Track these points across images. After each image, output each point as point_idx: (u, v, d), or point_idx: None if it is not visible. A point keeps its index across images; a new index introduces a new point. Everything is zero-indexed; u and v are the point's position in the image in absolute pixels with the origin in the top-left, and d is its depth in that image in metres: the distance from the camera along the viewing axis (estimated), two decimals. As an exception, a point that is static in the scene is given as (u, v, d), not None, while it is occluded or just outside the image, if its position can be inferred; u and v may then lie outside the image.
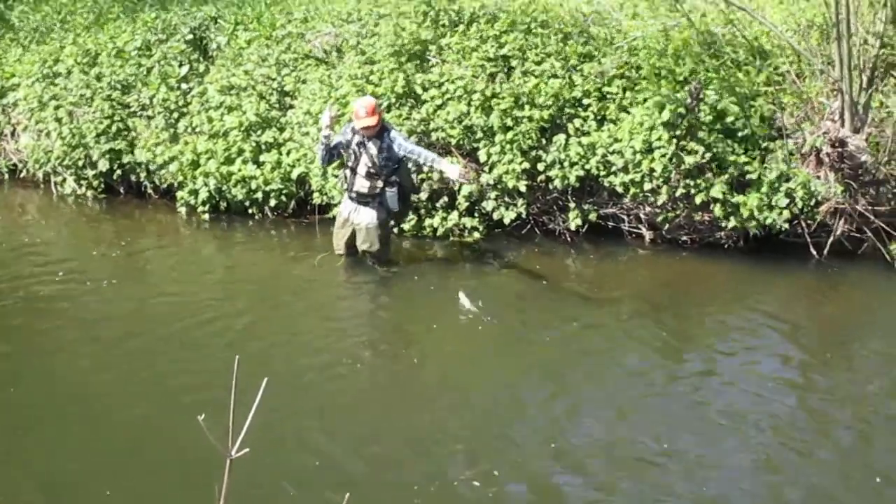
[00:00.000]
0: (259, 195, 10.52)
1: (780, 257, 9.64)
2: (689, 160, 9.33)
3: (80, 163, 11.58)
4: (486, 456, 6.28)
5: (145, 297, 8.84)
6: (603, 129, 9.85)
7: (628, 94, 9.94)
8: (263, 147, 10.72)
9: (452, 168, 8.67)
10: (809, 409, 7.02)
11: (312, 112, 10.59)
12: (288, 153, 10.59)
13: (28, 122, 12.17)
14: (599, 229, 10.14)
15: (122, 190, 11.76)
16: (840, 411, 7.01)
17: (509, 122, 9.87)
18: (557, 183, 9.80)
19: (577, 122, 9.93)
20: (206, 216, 10.79)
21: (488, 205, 9.97)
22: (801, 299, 9.21)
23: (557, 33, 10.57)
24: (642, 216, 10.01)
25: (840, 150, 9.31)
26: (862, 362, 8.00)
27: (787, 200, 9.30)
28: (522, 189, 9.77)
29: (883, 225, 9.39)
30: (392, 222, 9.40)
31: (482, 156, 9.95)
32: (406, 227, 10.00)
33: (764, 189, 9.33)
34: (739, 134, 9.63)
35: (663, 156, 9.38)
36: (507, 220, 9.94)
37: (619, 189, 9.73)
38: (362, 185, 8.94)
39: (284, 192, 10.53)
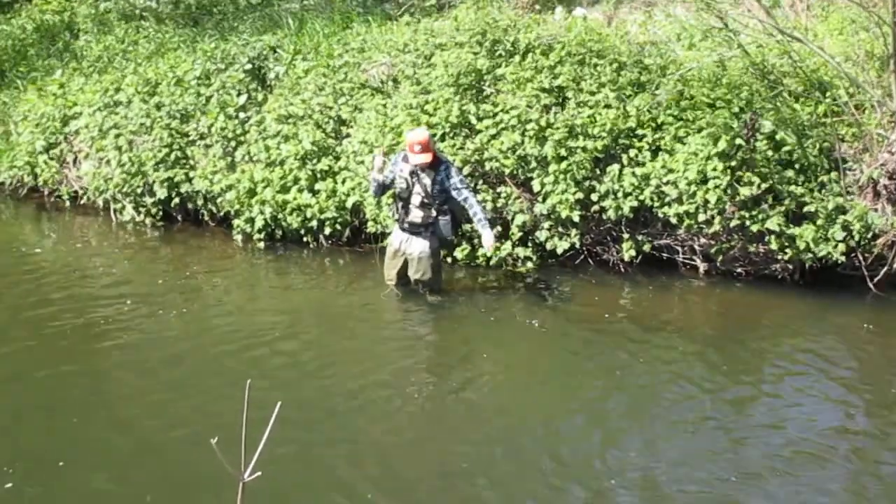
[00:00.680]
0: (314, 223, 10.61)
1: (836, 290, 9.53)
2: (745, 191, 9.27)
3: (139, 190, 11.76)
4: (522, 492, 6.22)
5: (198, 323, 8.94)
6: (657, 160, 9.82)
7: (683, 124, 9.90)
8: (319, 175, 10.82)
9: (489, 236, 8.72)
10: (862, 455, 6.76)
11: (368, 141, 10.67)
12: (343, 182, 10.67)
13: (89, 149, 12.39)
14: (653, 260, 10.09)
15: (179, 217, 11.94)
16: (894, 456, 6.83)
17: (563, 153, 9.87)
18: (611, 213, 9.78)
19: (632, 152, 9.90)
20: (262, 244, 10.89)
21: (542, 234, 9.97)
22: (858, 334, 9.00)
23: (612, 63, 10.56)
24: (696, 247, 9.94)
25: (898, 182, 9.22)
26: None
27: (843, 233, 9.20)
28: (576, 219, 9.75)
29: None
30: (443, 251, 9.42)
31: (536, 185, 9.94)
32: (459, 255, 10.04)
33: (820, 221, 9.24)
34: (796, 165, 9.54)
35: (717, 186, 9.33)
36: (560, 251, 9.92)
37: (674, 220, 9.67)
38: (416, 215, 8.99)
39: (339, 220, 10.60)
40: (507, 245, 9.99)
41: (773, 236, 9.35)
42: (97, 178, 12.06)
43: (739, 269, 9.87)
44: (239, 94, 11.94)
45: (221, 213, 11.51)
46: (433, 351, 8.79)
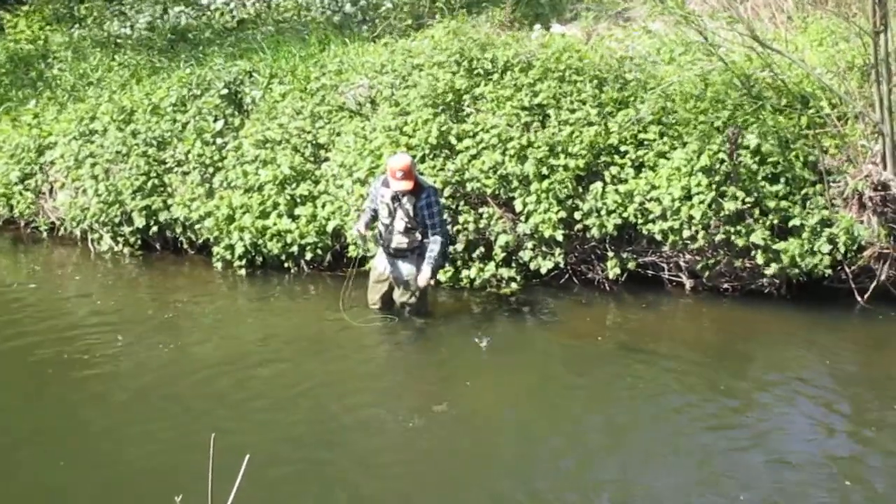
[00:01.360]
0: (294, 249, 10.47)
1: (824, 303, 9.45)
2: (729, 206, 9.18)
3: (117, 220, 11.61)
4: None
5: (179, 351, 8.78)
6: (640, 177, 9.73)
7: (665, 140, 9.82)
8: (298, 200, 10.70)
9: (427, 273, 8.71)
10: (854, 476, 6.59)
11: (346, 164, 10.55)
12: (323, 206, 10.55)
13: (65, 179, 12.23)
14: (639, 278, 9.99)
15: (158, 246, 11.77)
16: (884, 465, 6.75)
17: (545, 171, 9.78)
18: (595, 231, 9.67)
19: (614, 169, 9.82)
20: (243, 271, 10.73)
21: (525, 255, 9.86)
22: (846, 347, 8.93)
23: (592, 80, 10.48)
24: (682, 264, 9.86)
25: (883, 193, 9.16)
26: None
27: (829, 246, 9.14)
28: (559, 238, 9.65)
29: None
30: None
31: (518, 205, 9.84)
32: (443, 278, 9.88)
33: (806, 234, 9.17)
34: (781, 179, 9.46)
35: (702, 202, 9.25)
36: (544, 270, 9.80)
37: (658, 237, 9.58)
38: (400, 241, 8.85)
39: (320, 245, 10.47)
40: (491, 266, 9.88)
41: (758, 251, 9.27)
42: (73, 208, 11.89)
43: (726, 285, 9.78)
44: (216, 120, 11.82)
45: (201, 241, 11.35)
46: (413, 376, 8.67)
